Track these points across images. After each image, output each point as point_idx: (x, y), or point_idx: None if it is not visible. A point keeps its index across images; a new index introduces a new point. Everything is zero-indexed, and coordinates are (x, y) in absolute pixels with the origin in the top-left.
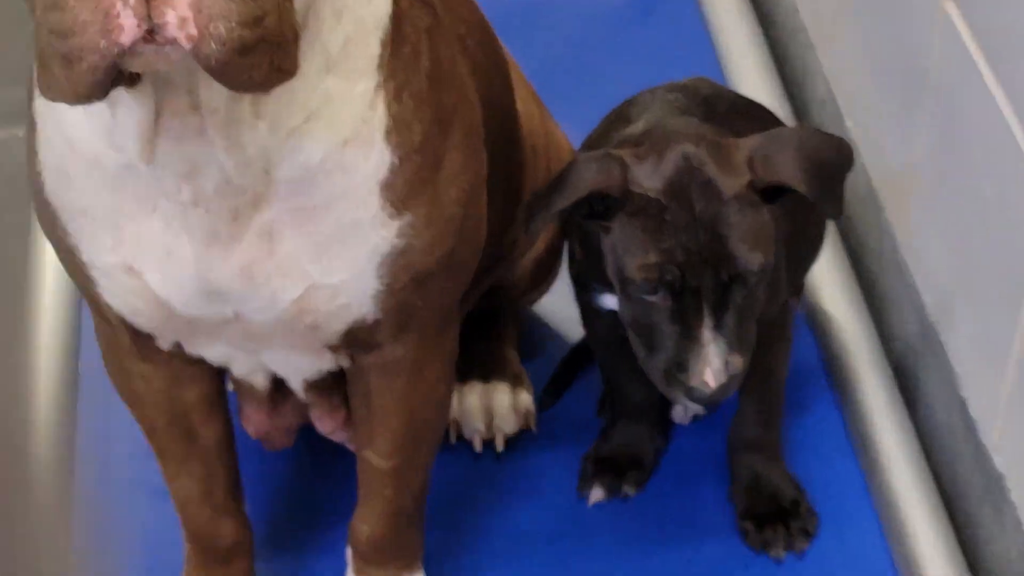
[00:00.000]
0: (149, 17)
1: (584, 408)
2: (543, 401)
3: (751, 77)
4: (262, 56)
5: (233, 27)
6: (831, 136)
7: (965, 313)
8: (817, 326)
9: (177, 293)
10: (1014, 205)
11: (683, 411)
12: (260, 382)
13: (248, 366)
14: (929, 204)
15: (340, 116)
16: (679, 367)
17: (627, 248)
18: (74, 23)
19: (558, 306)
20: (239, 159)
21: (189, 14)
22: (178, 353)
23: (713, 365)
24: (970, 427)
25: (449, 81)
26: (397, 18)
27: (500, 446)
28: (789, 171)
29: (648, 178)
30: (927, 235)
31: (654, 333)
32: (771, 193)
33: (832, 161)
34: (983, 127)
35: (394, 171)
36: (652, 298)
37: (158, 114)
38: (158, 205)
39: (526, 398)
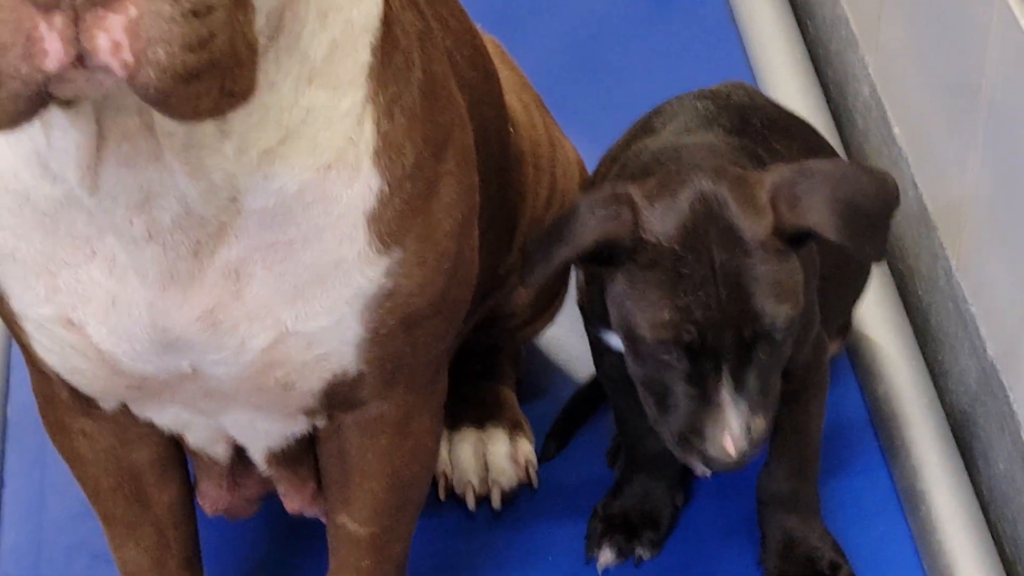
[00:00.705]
0: (78, 41)
1: (593, 459)
2: (546, 450)
3: (785, 78)
4: (210, 81)
5: (175, 52)
6: (873, 172)
7: None
8: (861, 366)
9: (125, 346)
10: None
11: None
12: (220, 453)
13: (206, 433)
14: (989, 224)
15: (322, 136)
16: (695, 432)
17: (637, 303)
18: None
19: (564, 340)
20: (202, 186)
21: (124, 39)
22: (126, 411)
23: (733, 431)
24: None
25: (443, 97)
26: (388, 21)
27: (497, 503)
28: (819, 216)
29: (660, 223)
30: (987, 260)
31: (667, 393)
32: (799, 237)
33: (873, 204)
34: None
35: (383, 200)
36: (666, 358)
37: (102, 136)
38: (98, 248)
39: (526, 447)
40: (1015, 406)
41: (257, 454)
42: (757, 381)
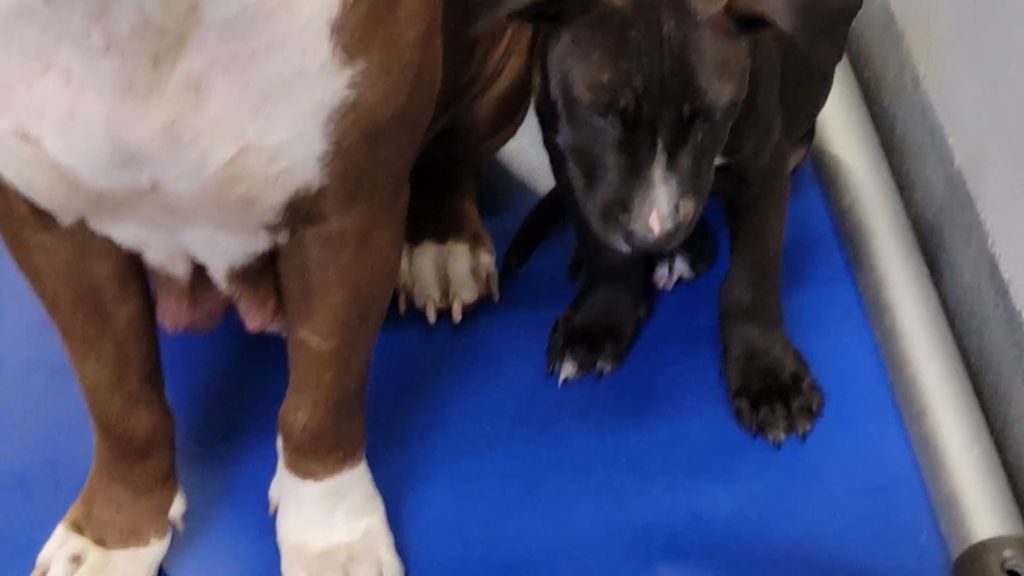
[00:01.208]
0: None
1: (554, 271)
2: (507, 263)
3: None
4: None
5: None
6: None
7: (998, 160)
8: (826, 176)
9: (83, 160)
10: None
11: (667, 274)
12: (180, 270)
13: (165, 250)
14: (957, 31)
15: None
16: (621, 206)
17: (579, 62)
18: None
19: (525, 154)
20: None
21: None
22: (85, 226)
23: (661, 208)
24: (1001, 290)
25: None
26: None
27: (457, 316)
28: (772, 4)
29: None
30: (955, 68)
31: (597, 165)
32: (750, 23)
33: (830, 4)
34: None
35: (346, 9)
36: (600, 123)
37: None
38: (53, 62)
39: (487, 260)
40: (982, 215)
41: (218, 271)
42: (691, 162)
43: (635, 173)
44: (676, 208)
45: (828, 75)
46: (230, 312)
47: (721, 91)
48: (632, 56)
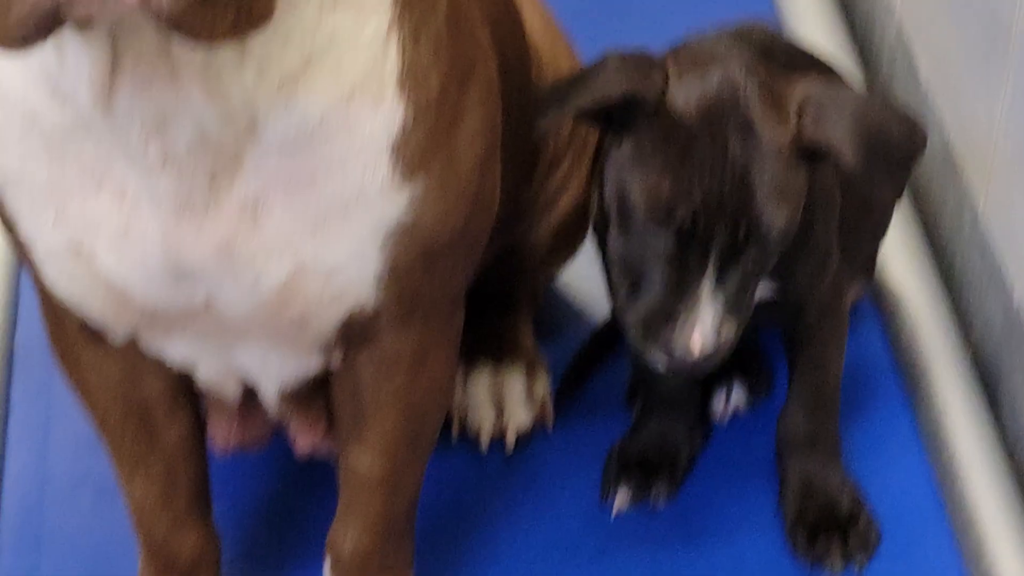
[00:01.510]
0: None
1: (610, 400)
2: (562, 390)
3: (810, 17)
4: (226, 3)
5: None
6: (905, 115)
7: None
8: (884, 310)
9: (136, 277)
10: None
11: (723, 404)
12: (231, 390)
13: (216, 370)
14: (1017, 168)
15: (346, 61)
16: (664, 320)
17: (639, 170)
18: None
19: (583, 279)
20: (220, 110)
21: None
22: (136, 343)
23: (704, 327)
24: None
25: (468, 27)
26: None
27: (511, 441)
28: (841, 137)
29: (685, 96)
30: (1014, 204)
31: (643, 276)
32: (814, 155)
33: (898, 144)
34: None
35: (407, 129)
36: (653, 234)
37: (117, 57)
38: (107, 179)
39: (542, 386)
40: None
41: (269, 393)
42: (738, 285)
43: (682, 288)
44: (719, 329)
45: (888, 210)
46: (279, 436)
47: (777, 216)
48: (695, 170)
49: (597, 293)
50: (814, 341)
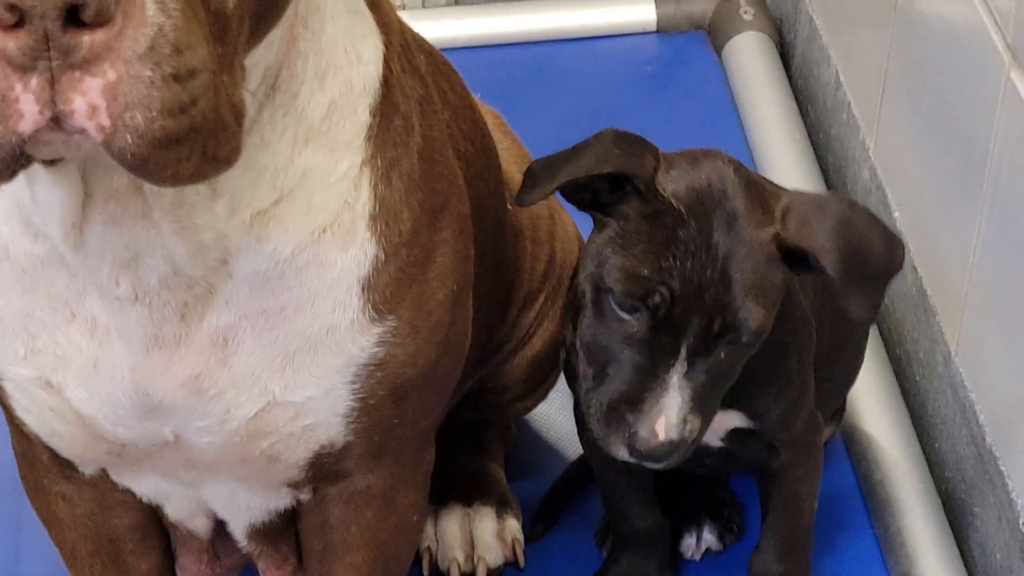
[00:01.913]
0: (54, 103)
1: (581, 539)
2: (533, 529)
3: (784, 159)
4: (191, 146)
5: (153, 117)
6: (887, 230)
7: None
8: (855, 449)
9: (106, 410)
10: None
11: (694, 544)
12: (200, 526)
13: (186, 505)
14: (989, 310)
15: (318, 198)
16: (629, 406)
17: (620, 251)
18: None
19: (554, 418)
20: (191, 246)
21: (101, 102)
22: (106, 477)
23: (670, 416)
24: None
25: (441, 165)
26: (388, 84)
27: None
28: (821, 243)
29: (675, 183)
30: (986, 347)
31: (611, 362)
32: (795, 260)
33: (877, 259)
34: None
35: (378, 266)
36: (627, 318)
37: (88, 194)
38: (78, 311)
39: (513, 525)
40: (1013, 495)
41: (238, 528)
42: (707, 379)
43: (651, 374)
44: (684, 422)
45: (860, 350)
46: (250, 567)
47: (753, 313)
48: (677, 255)
49: (568, 434)
50: (789, 479)
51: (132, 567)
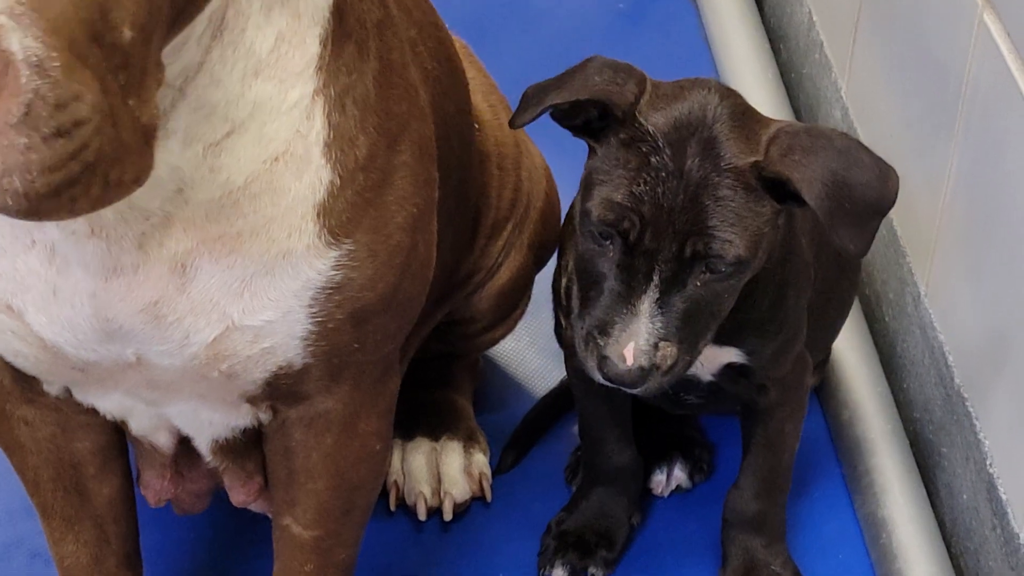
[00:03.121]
0: None
1: (549, 474)
2: (501, 462)
3: (756, 98)
4: (88, 183)
5: (33, 178)
6: (880, 162)
7: (997, 380)
8: (825, 391)
9: (67, 335)
10: None
11: (664, 481)
12: (163, 442)
13: (149, 422)
14: (959, 251)
15: (270, 128)
16: (602, 329)
17: (601, 178)
18: None
19: (522, 353)
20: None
21: None
22: (69, 398)
23: (639, 341)
24: (999, 511)
25: (400, 87)
26: (340, 10)
27: (448, 515)
28: (805, 175)
29: (655, 110)
30: (956, 288)
31: (594, 286)
32: (778, 191)
33: (866, 192)
34: None
35: (333, 192)
36: (604, 244)
37: None
38: (38, 238)
39: (481, 459)
40: (981, 435)
41: (202, 444)
42: (685, 307)
43: (624, 300)
44: (655, 346)
45: (848, 302)
46: (217, 495)
47: (729, 242)
48: (649, 181)
49: (538, 369)
50: (775, 418)
51: (94, 492)
